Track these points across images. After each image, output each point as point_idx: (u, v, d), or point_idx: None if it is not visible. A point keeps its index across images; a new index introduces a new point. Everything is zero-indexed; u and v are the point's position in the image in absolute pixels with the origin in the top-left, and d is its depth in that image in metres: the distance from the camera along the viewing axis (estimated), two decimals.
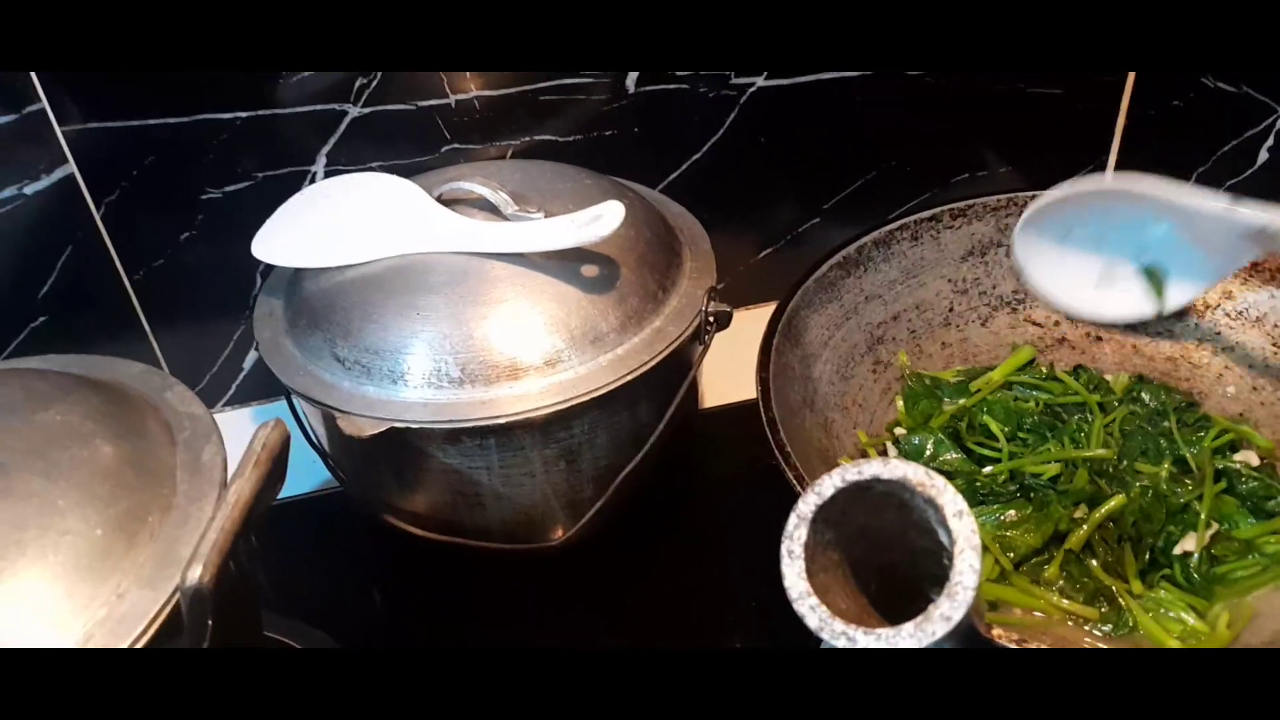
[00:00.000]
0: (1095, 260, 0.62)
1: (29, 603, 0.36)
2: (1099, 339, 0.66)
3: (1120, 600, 0.51)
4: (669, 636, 0.62)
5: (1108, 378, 0.63)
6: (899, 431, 0.63)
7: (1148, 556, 0.54)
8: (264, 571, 0.67)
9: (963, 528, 0.32)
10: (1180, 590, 0.52)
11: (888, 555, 0.38)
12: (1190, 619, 0.51)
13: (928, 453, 0.59)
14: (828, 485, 0.34)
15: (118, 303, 0.75)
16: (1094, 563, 0.53)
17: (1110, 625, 0.51)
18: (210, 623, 0.36)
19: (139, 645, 0.36)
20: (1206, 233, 0.57)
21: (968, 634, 0.38)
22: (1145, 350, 0.65)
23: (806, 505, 0.34)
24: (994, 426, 0.60)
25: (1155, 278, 0.62)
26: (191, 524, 0.40)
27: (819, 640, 0.36)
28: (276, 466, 0.40)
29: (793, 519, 0.34)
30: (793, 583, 0.33)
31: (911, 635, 0.31)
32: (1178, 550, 0.53)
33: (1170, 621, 0.51)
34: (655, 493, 0.66)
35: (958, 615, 0.31)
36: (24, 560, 0.37)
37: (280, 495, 0.70)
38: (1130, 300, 0.62)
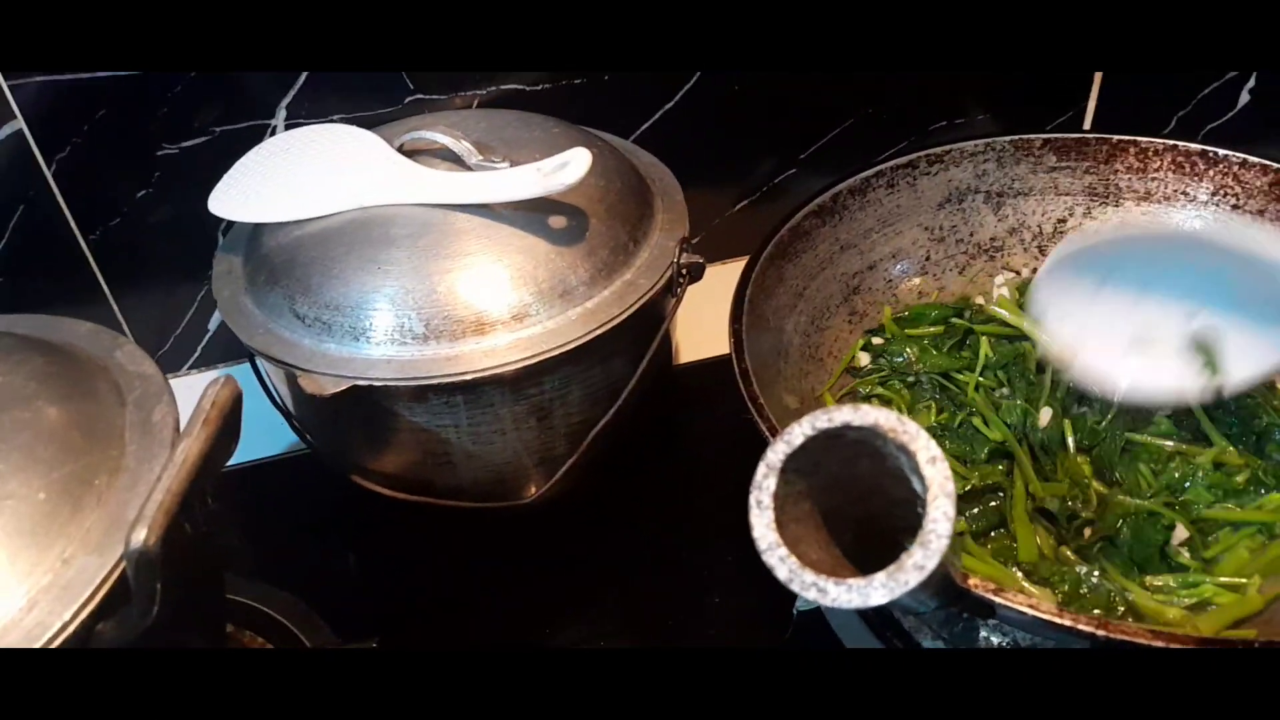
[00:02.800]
0: (1132, 317, 0.50)
1: None
2: None
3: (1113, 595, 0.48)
4: (645, 596, 0.61)
5: None
6: (875, 340, 0.61)
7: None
8: (231, 536, 0.66)
9: (936, 474, 0.31)
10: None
11: (864, 507, 0.37)
12: (1193, 597, 0.48)
13: (911, 357, 0.58)
14: (797, 433, 0.33)
15: (75, 264, 0.73)
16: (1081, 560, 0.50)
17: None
18: (159, 587, 0.35)
19: (86, 612, 0.35)
20: None
21: (942, 585, 0.37)
22: None
23: (775, 454, 0.33)
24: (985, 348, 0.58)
25: (1206, 351, 0.49)
26: (140, 487, 0.39)
27: (791, 594, 0.35)
28: (228, 425, 0.39)
29: (761, 468, 0.33)
30: (761, 533, 0.32)
31: (884, 585, 0.30)
32: (1175, 542, 0.50)
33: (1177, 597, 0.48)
34: (631, 449, 0.65)
35: (931, 564, 0.30)
36: None
37: (247, 458, 0.71)
38: (1172, 373, 0.50)
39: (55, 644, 0.34)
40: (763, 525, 0.32)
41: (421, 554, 0.64)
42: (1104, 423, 0.55)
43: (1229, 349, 0.48)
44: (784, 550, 0.32)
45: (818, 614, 0.58)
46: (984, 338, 0.61)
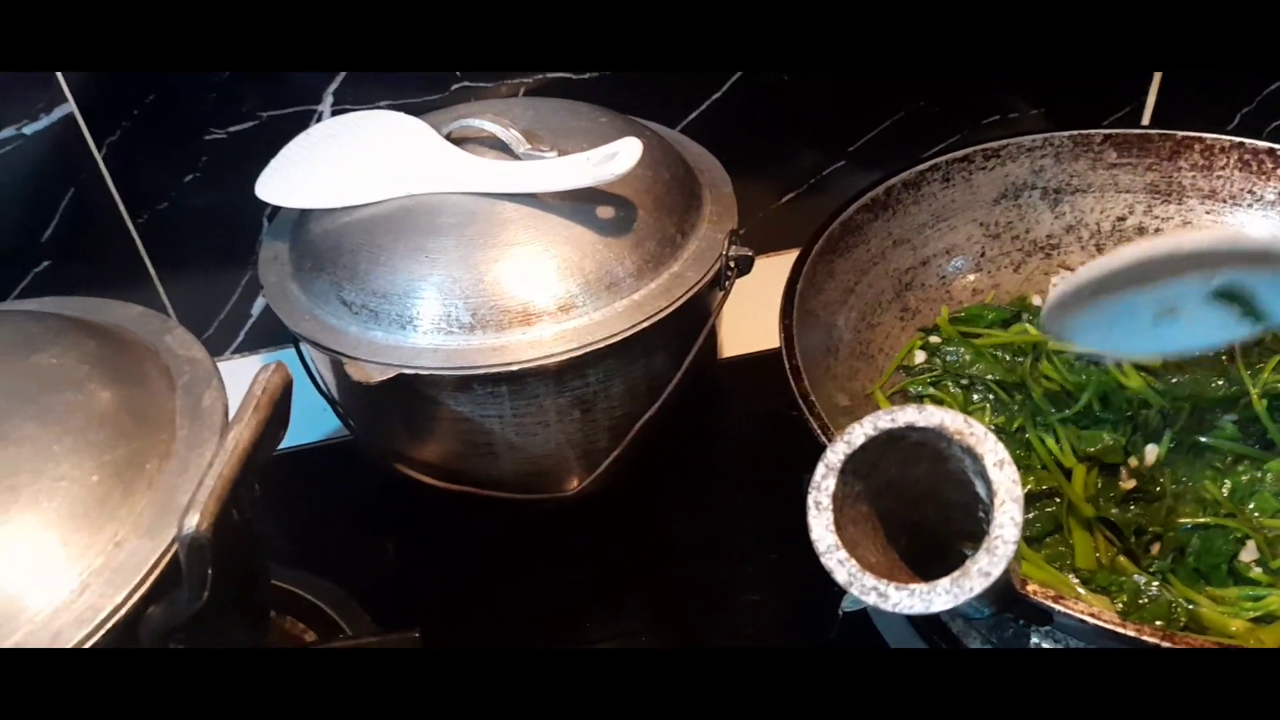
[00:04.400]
0: (1151, 302, 0.48)
1: (23, 551, 0.35)
2: None
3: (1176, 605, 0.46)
4: (684, 592, 0.61)
5: None
6: (932, 339, 0.60)
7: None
8: (272, 522, 0.66)
9: (1004, 478, 0.30)
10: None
11: (918, 511, 0.37)
12: (1259, 610, 0.45)
13: (966, 359, 0.56)
14: (858, 433, 0.32)
15: (122, 247, 0.74)
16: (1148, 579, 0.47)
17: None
18: (210, 572, 0.35)
19: (138, 595, 0.35)
20: None
21: (1003, 591, 0.36)
22: None
23: (835, 454, 0.32)
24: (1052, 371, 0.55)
25: (1239, 298, 0.46)
26: (191, 471, 0.39)
27: (843, 594, 0.34)
28: (278, 411, 0.39)
29: (820, 468, 0.32)
30: (820, 535, 0.31)
31: (948, 591, 0.29)
32: (1244, 558, 0.48)
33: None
34: (673, 444, 0.64)
35: (997, 571, 0.29)
36: (17, 507, 0.35)
37: (289, 444, 0.70)
38: (1210, 324, 0.47)
39: (107, 627, 0.34)
40: (821, 527, 0.31)
41: (462, 544, 0.64)
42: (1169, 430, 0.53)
43: (1262, 293, 0.45)
44: (844, 553, 0.31)
45: (863, 615, 0.57)
46: (1056, 360, 0.58)
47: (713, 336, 0.63)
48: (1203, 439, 0.52)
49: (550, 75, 0.73)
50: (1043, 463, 0.52)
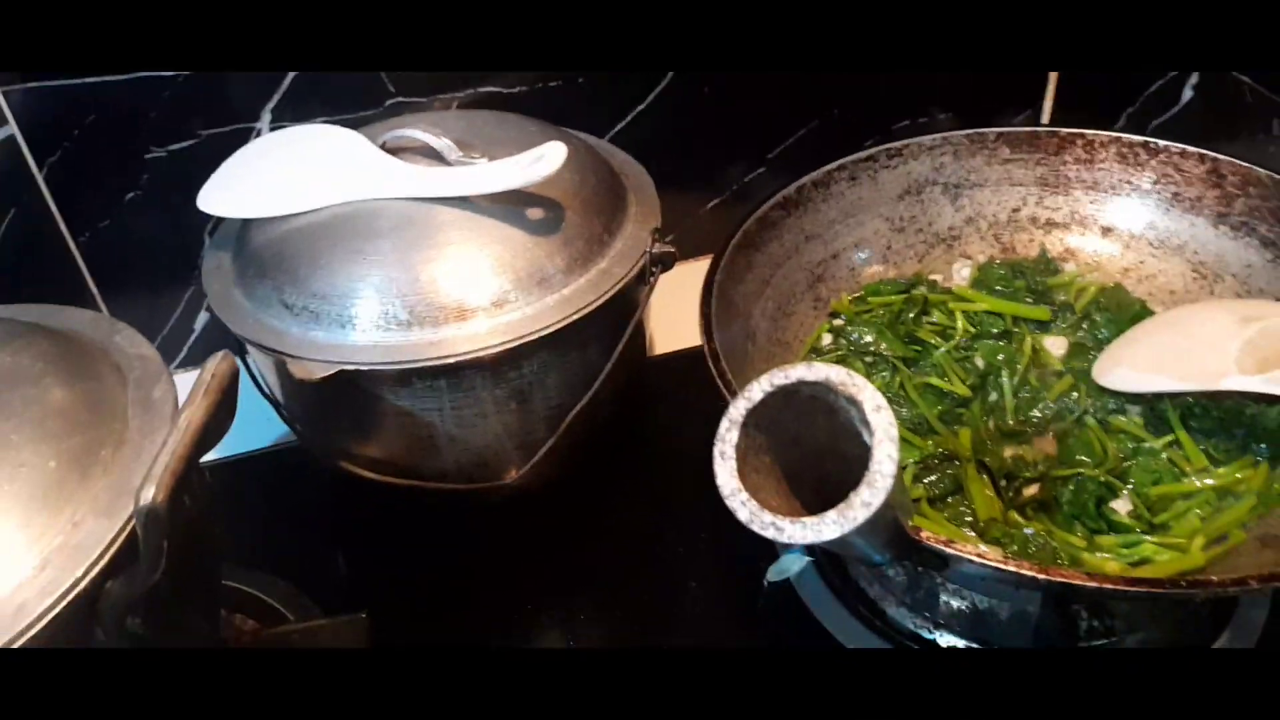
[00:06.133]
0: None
1: None
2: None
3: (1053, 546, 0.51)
4: (622, 574, 0.64)
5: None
6: (836, 323, 0.65)
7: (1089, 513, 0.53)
8: (222, 524, 0.68)
9: (881, 420, 0.34)
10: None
11: (821, 467, 0.40)
12: (1135, 555, 0.50)
13: (867, 339, 0.62)
14: (756, 390, 0.36)
15: (64, 265, 0.75)
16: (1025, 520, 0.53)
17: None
18: (165, 545, 0.37)
19: (96, 570, 0.37)
20: None
21: (894, 533, 0.40)
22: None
23: (737, 409, 0.36)
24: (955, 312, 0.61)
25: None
26: (144, 457, 0.41)
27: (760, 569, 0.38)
28: (226, 398, 0.41)
29: (724, 422, 0.36)
30: (724, 481, 0.35)
31: (835, 521, 0.33)
32: (1120, 509, 0.53)
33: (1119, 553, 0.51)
34: (608, 435, 0.67)
35: (877, 501, 0.33)
36: None
37: (236, 451, 0.73)
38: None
39: (67, 599, 0.36)
40: (725, 474, 0.35)
41: (407, 538, 0.66)
42: (1074, 400, 0.58)
43: None
44: (745, 495, 0.35)
45: (788, 586, 0.61)
46: (957, 309, 0.64)
47: (640, 329, 0.67)
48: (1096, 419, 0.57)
49: (481, 90, 0.76)
50: (940, 412, 0.57)
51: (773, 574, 0.61)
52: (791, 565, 0.61)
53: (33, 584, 0.37)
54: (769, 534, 0.34)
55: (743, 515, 0.35)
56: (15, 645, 0.35)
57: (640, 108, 0.80)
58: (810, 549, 0.61)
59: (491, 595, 0.63)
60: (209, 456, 0.42)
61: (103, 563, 0.38)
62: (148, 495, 0.36)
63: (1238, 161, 0.62)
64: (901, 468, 0.54)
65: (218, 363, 0.40)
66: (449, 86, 0.76)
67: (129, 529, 0.38)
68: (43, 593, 0.36)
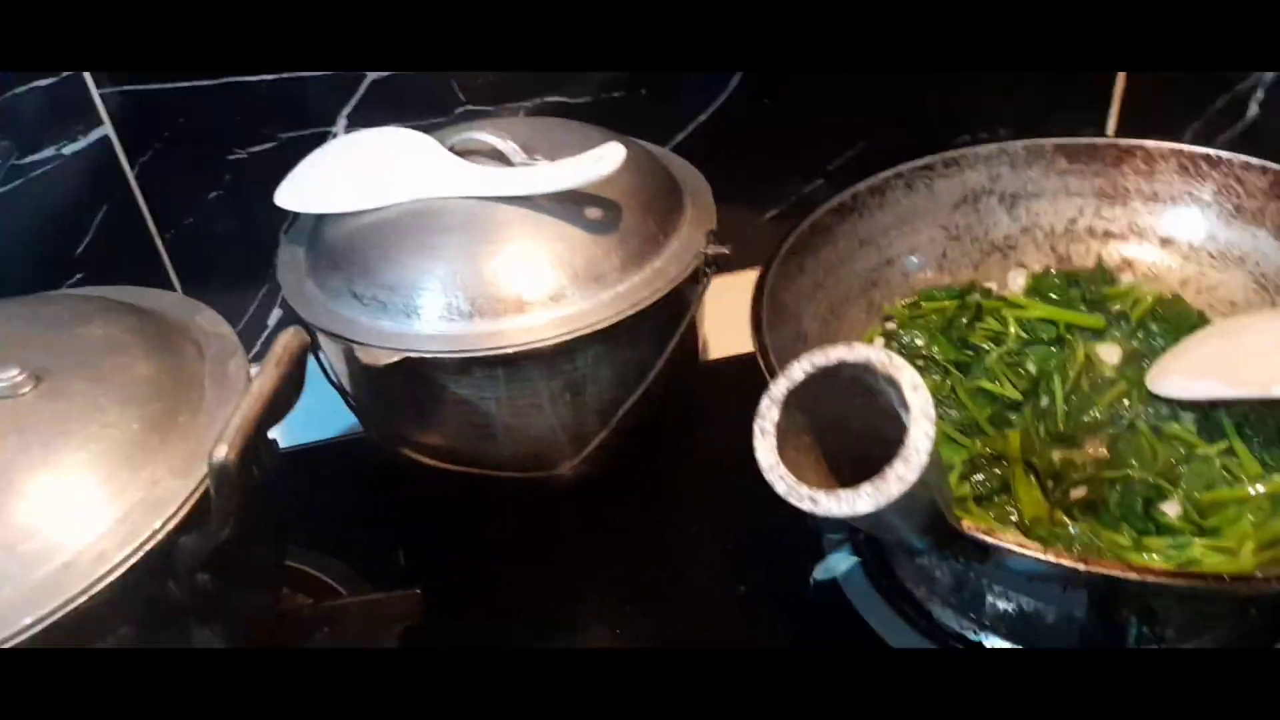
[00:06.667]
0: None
1: (74, 485, 0.40)
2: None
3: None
4: (669, 569, 0.65)
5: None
6: (889, 326, 0.66)
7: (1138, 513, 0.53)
8: (291, 506, 0.71)
9: (918, 399, 0.35)
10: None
11: (862, 448, 0.41)
12: (1182, 557, 0.50)
13: (919, 342, 0.62)
14: (798, 369, 0.37)
15: (150, 260, 0.79)
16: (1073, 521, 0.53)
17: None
18: (234, 503, 0.40)
19: (172, 524, 0.40)
20: None
21: (932, 518, 0.40)
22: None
23: (778, 388, 0.37)
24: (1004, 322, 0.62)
25: None
26: (218, 424, 0.43)
27: (798, 535, 0.39)
28: (295, 371, 0.44)
29: (764, 400, 0.37)
30: (763, 455, 0.36)
31: (869, 495, 0.34)
32: (1168, 512, 0.53)
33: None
34: (660, 433, 0.69)
35: (912, 476, 0.34)
36: (69, 447, 0.41)
37: (304, 440, 0.76)
38: None
39: (145, 550, 0.39)
40: (764, 449, 0.36)
41: (463, 525, 0.69)
42: (1127, 406, 0.58)
43: None
44: (783, 469, 0.36)
45: (835, 587, 0.62)
46: (1010, 316, 0.64)
47: (693, 330, 0.68)
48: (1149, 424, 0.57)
49: (547, 99, 0.79)
50: (980, 427, 0.57)
51: (819, 573, 0.62)
52: (838, 564, 0.62)
53: (113, 535, 0.39)
54: (805, 506, 0.35)
55: (780, 488, 0.36)
56: (94, 591, 0.38)
57: (701, 118, 0.82)
58: (856, 546, 0.62)
59: (540, 583, 0.65)
60: (282, 444, 0.44)
61: (178, 518, 0.40)
62: (220, 454, 0.38)
63: None
64: (949, 466, 0.56)
65: (289, 337, 0.43)
66: (516, 96, 0.79)
67: (202, 488, 0.41)
68: (122, 543, 0.39)
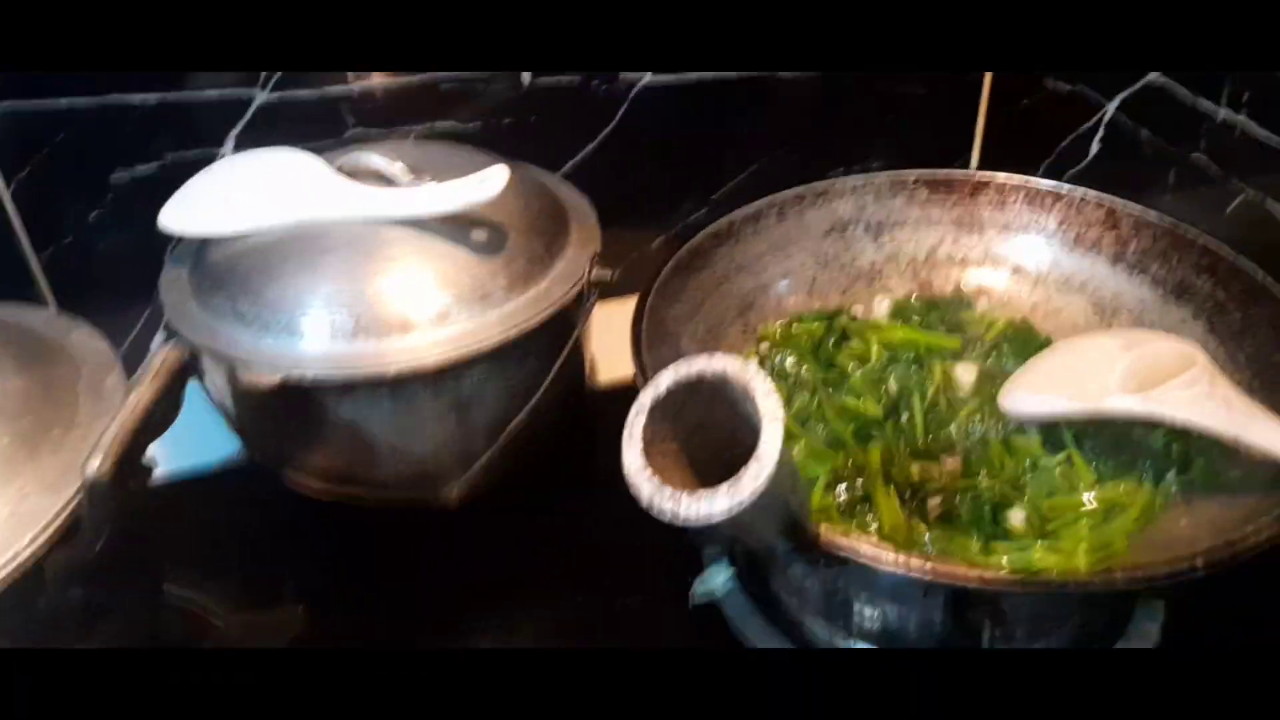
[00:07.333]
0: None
1: None
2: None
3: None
4: (556, 587, 0.66)
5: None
6: (763, 348, 0.69)
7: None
8: (168, 529, 0.70)
9: (769, 405, 0.37)
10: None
11: (725, 457, 0.44)
12: (1023, 561, 0.54)
13: (790, 362, 0.66)
14: (663, 381, 0.40)
15: (23, 279, 0.77)
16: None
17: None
18: (108, 517, 0.40)
19: (42, 538, 0.40)
20: None
21: (789, 519, 0.43)
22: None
23: (645, 397, 0.40)
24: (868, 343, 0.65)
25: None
26: (93, 439, 0.44)
27: (682, 552, 0.41)
28: (174, 386, 0.44)
29: (633, 410, 0.39)
30: (630, 460, 0.38)
31: (726, 496, 0.37)
32: (1014, 522, 0.57)
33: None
34: (549, 454, 0.70)
35: (765, 475, 0.36)
36: None
37: (184, 467, 0.74)
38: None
39: (16, 562, 0.39)
40: (631, 455, 0.38)
41: (350, 549, 0.69)
42: (980, 422, 0.63)
43: None
44: (649, 473, 0.38)
45: (713, 607, 0.64)
46: (874, 338, 0.68)
47: (580, 351, 0.70)
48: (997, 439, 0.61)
49: (438, 125, 0.81)
50: (844, 443, 0.61)
51: (698, 590, 0.64)
52: (716, 579, 0.64)
53: None
54: (668, 507, 0.37)
55: (645, 492, 0.38)
56: None
57: (589, 147, 0.85)
58: (733, 558, 0.65)
59: (429, 603, 0.65)
60: (160, 474, 0.44)
61: (48, 532, 0.40)
62: (93, 465, 0.39)
63: (1131, 207, 0.68)
64: (815, 479, 0.59)
65: (168, 350, 0.43)
66: (406, 121, 0.80)
67: (74, 503, 0.41)
68: None
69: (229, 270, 0.63)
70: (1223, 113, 0.70)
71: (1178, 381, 0.54)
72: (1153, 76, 0.76)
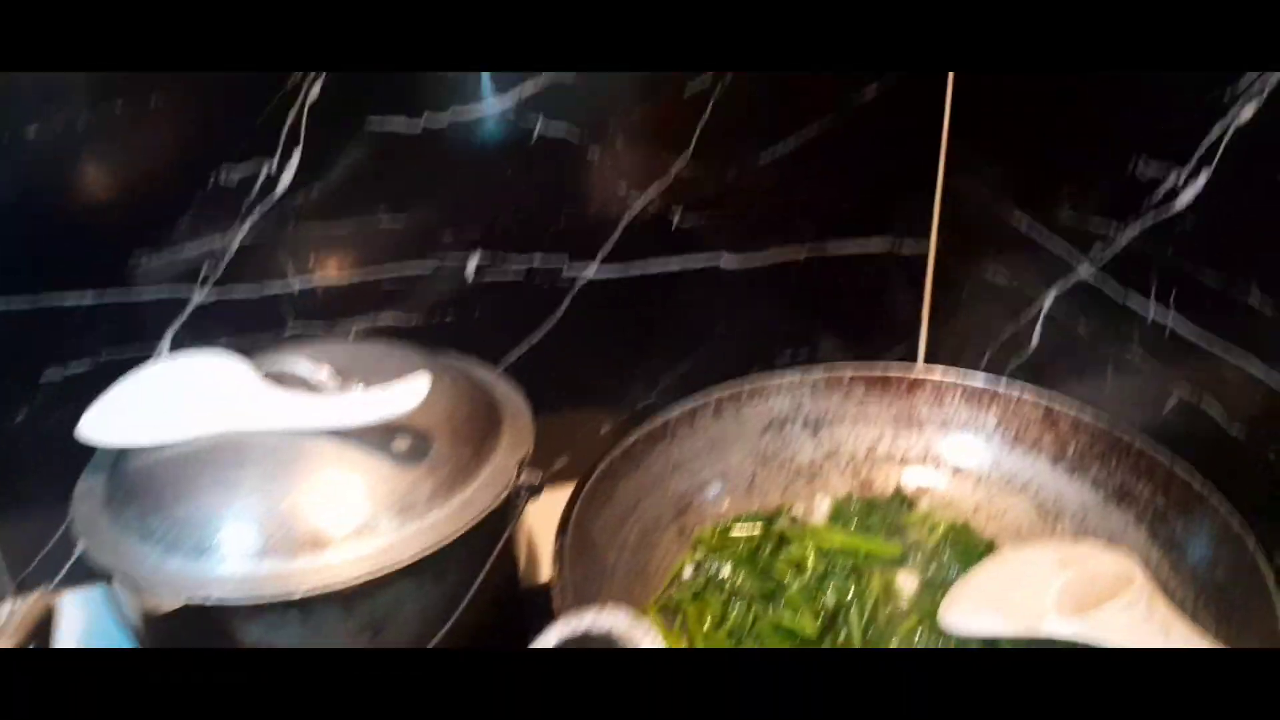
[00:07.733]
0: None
1: None
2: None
3: None
4: None
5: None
6: (698, 555, 0.67)
7: None
8: None
9: None
10: None
11: None
12: None
13: (724, 573, 0.64)
14: (552, 635, 0.37)
15: None
16: None
17: None
18: None
19: None
20: None
21: None
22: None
23: (545, 641, 0.37)
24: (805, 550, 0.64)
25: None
26: None
27: None
28: (35, 635, 0.41)
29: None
30: None
31: None
32: None
33: None
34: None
35: None
36: None
37: None
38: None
39: None
40: None
41: None
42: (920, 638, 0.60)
43: None
44: None
45: None
46: (811, 545, 0.66)
47: (511, 557, 0.67)
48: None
49: (379, 323, 0.81)
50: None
51: None
52: None
53: None
54: None
55: None
56: None
57: (533, 340, 0.85)
58: None
59: None
60: None
61: None
62: None
63: (1068, 405, 0.67)
64: None
65: (31, 603, 0.41)
66: (348, 315, 0.80)
67: None
68: None
69: (142, 483, 0.61)
70: (1153, 311, 0.71)
71: (1116, 604, 0.52)
72: (1083, 272, 0.77)
